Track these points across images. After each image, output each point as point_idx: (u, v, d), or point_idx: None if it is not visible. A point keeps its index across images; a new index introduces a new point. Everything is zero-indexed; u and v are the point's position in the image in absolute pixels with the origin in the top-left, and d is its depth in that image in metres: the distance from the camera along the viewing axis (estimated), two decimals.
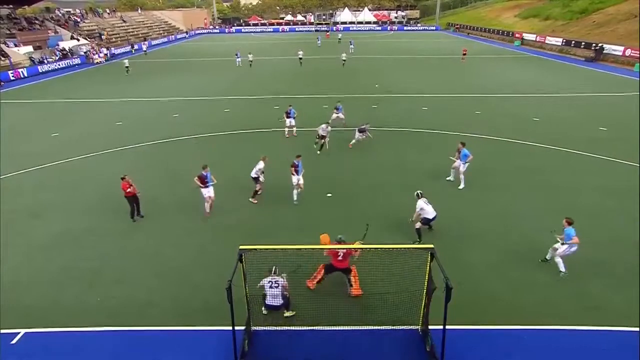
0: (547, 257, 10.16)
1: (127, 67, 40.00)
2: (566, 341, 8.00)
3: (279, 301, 8.40)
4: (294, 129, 20.08)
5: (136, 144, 19.35)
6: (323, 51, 54.00)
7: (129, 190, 12.30)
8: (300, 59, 42.47)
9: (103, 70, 44.01)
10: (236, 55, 43.14)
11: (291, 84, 32.45)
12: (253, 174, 13.23)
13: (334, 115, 20.44)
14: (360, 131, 18.04)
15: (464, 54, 44.80)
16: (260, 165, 13.15)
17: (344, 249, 9.27)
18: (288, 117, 19.78)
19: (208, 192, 12.58)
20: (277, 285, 8.39)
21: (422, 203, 10.96)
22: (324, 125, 17.72)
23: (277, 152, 18.10)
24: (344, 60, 40.55)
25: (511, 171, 15.84)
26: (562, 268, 9.71)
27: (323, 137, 17.67)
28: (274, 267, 8.54)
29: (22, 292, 9.52)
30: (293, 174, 13.33)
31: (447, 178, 14.96)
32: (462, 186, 14.30)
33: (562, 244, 9.59)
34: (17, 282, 9.88)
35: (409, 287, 8.38)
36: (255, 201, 13.62)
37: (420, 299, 8.00)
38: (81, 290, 9.54)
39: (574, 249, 9.51)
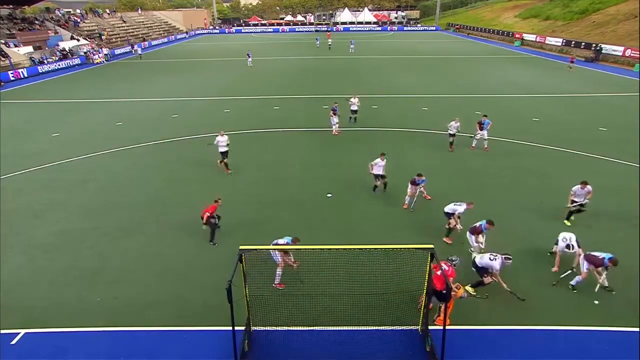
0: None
1: None
2: (566, 341, 8.00)
3: (483, 273, 9.15)
4: (336, 126, 20.15)
5: (136, 144, 19.36)
6: (323, 52, 53.98)
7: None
8: (354, 112, 21.88)
9: (103, 70, 44.02)
10: (248, 55, 43.42)
11: (290, 85, 32.42)
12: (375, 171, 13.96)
13: (479, 134, 17.82)
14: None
15: (572, 61, 38.13)
16: (377, 161, 13.81)
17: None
18: (334, 115, 19.91)
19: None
20: (494, 258, 9.07)
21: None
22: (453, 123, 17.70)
23: (275, 153, 18.16)
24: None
25: (511, 171, 15.85)
26: None
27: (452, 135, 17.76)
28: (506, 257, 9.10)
29: (22, 292, 9.52)
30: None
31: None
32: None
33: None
34: (17, 282, 9.88)
35: (408, 288, 8.40)
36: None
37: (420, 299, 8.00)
38: (81, 290, 9.55)
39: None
